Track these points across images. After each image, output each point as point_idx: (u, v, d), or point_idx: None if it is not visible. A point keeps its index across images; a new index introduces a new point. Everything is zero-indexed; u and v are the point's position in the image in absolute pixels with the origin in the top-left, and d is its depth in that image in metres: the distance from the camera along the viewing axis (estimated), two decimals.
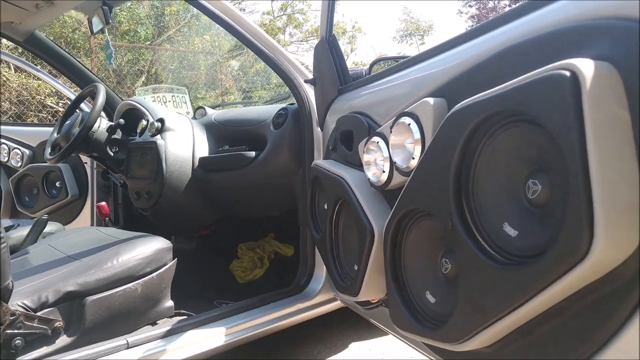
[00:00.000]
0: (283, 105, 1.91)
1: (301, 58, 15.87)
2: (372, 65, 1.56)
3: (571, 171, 0.58)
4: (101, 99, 1.99)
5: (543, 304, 0.66)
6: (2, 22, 2.07)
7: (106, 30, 1.91)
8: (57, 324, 1.24)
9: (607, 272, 0.60)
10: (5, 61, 6.46)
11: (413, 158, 0.94)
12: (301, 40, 14.64)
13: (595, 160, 0.56)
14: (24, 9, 1.92)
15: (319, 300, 1.67)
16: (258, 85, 8.84)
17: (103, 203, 2.26)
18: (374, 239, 1.05)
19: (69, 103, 2.31)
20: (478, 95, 0.73)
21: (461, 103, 0.77)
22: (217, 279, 2.19)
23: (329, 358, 1.81)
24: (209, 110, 2.23)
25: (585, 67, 0.57)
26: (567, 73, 0.58)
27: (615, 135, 0.57)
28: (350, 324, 1.99)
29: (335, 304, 1.71)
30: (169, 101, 3.25)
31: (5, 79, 6.70)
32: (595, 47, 0.61)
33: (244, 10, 13.53)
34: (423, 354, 1.07)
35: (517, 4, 0.81)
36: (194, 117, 2.25)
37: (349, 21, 14.52)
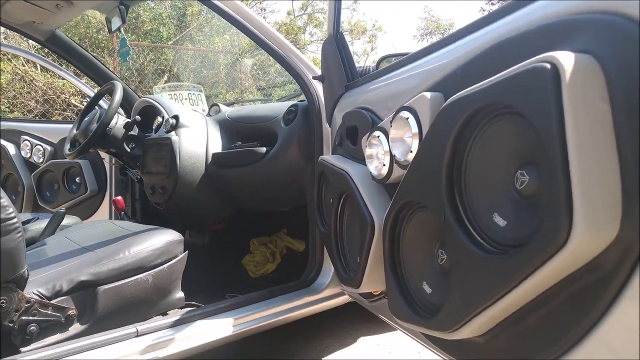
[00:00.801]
0: (294, 102, 1.93)
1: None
2: (379, 61, 1.58)
3: (551, 162, 0.59)
4: (118, 96, 2.05)
5: (527, 293, 0.67)
6: (24, 21, 2.14)
7: (122, 29, 1.96)
8: (70, 312, 1.29)
9: (588, 261, 0.61)
10: (32, 61, 6.64)
11: (411, 151, 0.96)
12: (321, 40, 14.67)
13: (575, 151, 0.57)
14: (45, 9, 1.99)
15: (327, 294, 1.69)
16: (277, 83, 8.90)
17: (119, 197, 2.32)
18: (375, 231, 1.07)
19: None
20: (469, 88, 0.75)
21: (453, 97, 0.78)
22: (230, 272, 2.23)
23: (338, 351, 1.83)
24: (223, 108, 2.27)
25: (566, 59, 0.58)
26: (548, 65, 0.59)
27: (595, 127, 0.58)
28: (359, 319, 2.01)
29: (343, 299, 1.73)
30: (185, 99, 3.31)
31: (31, 78, 6.87)
32: (579, 40, 0.62)
33: (264, 9, 13.63)
34: (423, 344, 1.08)
35: (509, 1, 0.82)
36: (209, 114, 2.29)
37: (369, 20, 14.50)
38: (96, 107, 2.30)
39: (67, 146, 2.18)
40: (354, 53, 14.61)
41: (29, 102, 6.84)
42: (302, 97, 1.84)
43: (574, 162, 0.57)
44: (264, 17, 13.26)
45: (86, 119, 2.20)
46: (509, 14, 0.81)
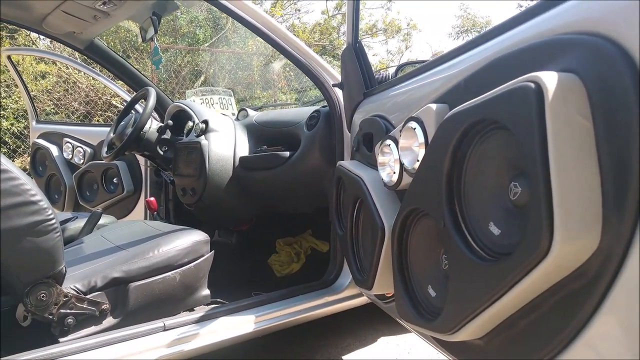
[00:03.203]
0: (317, 107, 1.99)
1: None
2: (398, 69, 1.61)
3: (534, 176, 0.63)
4: (152, 101, 2.15)
5: (518, 298, 0.71)
6: (66, 32, 2.27)
7: (155, 38, 2.05)
8: (104, 307, 1.38)
9: (572, 270, 0.65)
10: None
11: (418, 160, 1.00)
12: None
13: (556, 165, 0.61)
14: (84, 20, 2.11)
15: (347, 295, 1.74)
16: (310, 85, 8.99)
17: (152, 198, 2.43)
18: (385, 236, 1.11)
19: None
20: (466, 103, 0.79)
21: (452, 111, 0.82)
22: (256, 271, 2.31)
23: (358, 350, 1.88)
24: (251, 112, 2.35)
25: (549, 79, 0.62)
26: (532, 85, 0.63)
27: (577, 143, 0.62)
28: (380, 319, 2.05)
29: (363, 299, 1.77)
30: (216, 103, 3.42)
31: (74, 80, 7.16)
32: (565, 59, 0.66)
33: (299, 10, 13.75)
34: (430, 344, 1.12)
35: (506, 19, 0.85)
36: (237, 119, 2.37)
37: (403, 19, 14.40)
38: (132, 111, 2.41)
39: (105, 149, 2.30)
40: (388, 52, 14.53)
41: (72, 104, 7.13)
42: (324, 102, 1.90)
43: (555, 176, 0.61)
44: (298, 18, 13.38)
45: (122, 123, 2.31)
46: (507, 30, 0.84)
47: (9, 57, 3.30)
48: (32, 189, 1.19)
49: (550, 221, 0.61)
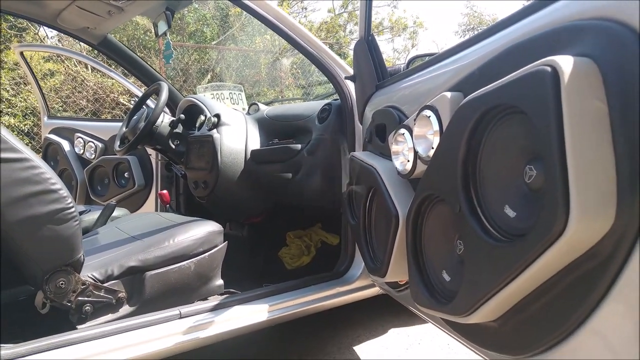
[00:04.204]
0: (328, 100, 2.01)
1: None
2: (409, 61, 1.63)
3: (550, 157, 0.64)
4: (164, 96, 2.18)
5: (533, 279, 0.72)
6: (80, 27, 2.30)
7: (168, 34, 2.08)
8: (120, 295, 1.41)
9: (586, 250, 0.67)
10: (83, 62, 6.98)
11: (432, 148, 1.02)
12: None
13: (572, 147, 0.62)
14: (98, 15, 2.14)
15: (358, 286, 1.76)
16: (316, 82, 9.01)
17: (164, 191, 2.45)
18: (399, 223, 1.13)
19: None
20: (481, 89, 0.80)
21: (467, 97, 0.84)
22: (267, 264, 2.34)
23: (369, 341, 1.90)
24: (262, 107, 2.37)
25: (565, 63, 0.64)
26: (549, 69, 0.65)
27: (592, 125, 0.63)
28: (390, 311, 2.07)
29: (374, 290, 1.79)
30: (227, 98, 3.45)
31: (83, 78, 7.22)
32: (581, 44, 0.67)
33: (305, 8, 13.77)
34: (443, 330, 1.14)
35: (520, 8, 0.87)
36: (248, 113, 2.40)
37: (410, 17, 14.37)
38: (144, 106, 2.44)
39: (117, 143, 2.33)
40: (394, 50, 14.52)
41: (81, 101, 7.19)
42: (336, 96, 1.91)
43: (570, 157, 0.62)
44: (305, 16, 13.40)
45: (134, 117, 2.34)
46: (521, 19, 0.86)
47: (21, 54, 3.33)
48: (52, 177, 1.22)
49: (566, 201, 0.62)
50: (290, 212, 2.43)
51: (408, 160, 1.13)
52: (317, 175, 1.90)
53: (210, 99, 2.45)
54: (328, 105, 1.91)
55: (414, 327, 1.99)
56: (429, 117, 1.02)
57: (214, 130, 2.15)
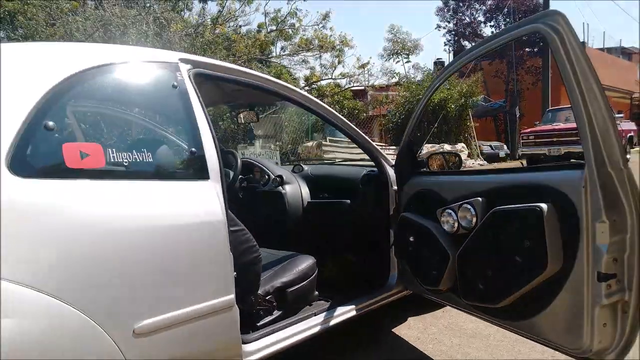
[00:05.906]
0: (365, 169, 3.05)
1: (292, 70, 17.02)
2: (427, 158, 2.71)
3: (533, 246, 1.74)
4: (240, 166, 3.09)
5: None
6: None
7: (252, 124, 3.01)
8: (274, 304, 2.35)
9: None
10: None
11: (470, 223, 2.09)
12: (292, 54, 15.78)
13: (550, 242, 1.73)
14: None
15: (394, 291, 2.80)
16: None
17: None
18: (449, 259, 2.20)
19: None
20: (504, 206, 1.89)
21: (494, 208, 1.93)
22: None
23: (392, 329, 2.95)
24: (304, 167, 3.37)
25: (544, 206, 1.73)
26: (537, 208, 1.74)
27: (559, 233, 1.74)
28: (409, 304, 3.08)
29: (403, 293, 2.84)
30: (261, 154, 4.36)
31: None
32: (547, 195, 1.77)
33: (240, 26, 14.61)
34: (475, 314, 2.22)
35: (516, 167, 1.99)
36: (293, 171, 3.38)
37: (337, 36, 15.56)
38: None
39: None
40: (321, 65, 15.78)
41: None
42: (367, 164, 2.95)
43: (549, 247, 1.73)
44: (235, 30, 14.17)
45: None
46: (518, 172, 1.97)
47: None
48: (250, 236, 2.14)
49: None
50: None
51: (453, 227, 2.20)
52: (362, 225, 2.94)
53: (267, 161, 3.40)
54: (367, 176, 2.94)
55: (428, 314, 3.06)
56: (469, 208, 2.10)
57: (280, 187, 3.11)
